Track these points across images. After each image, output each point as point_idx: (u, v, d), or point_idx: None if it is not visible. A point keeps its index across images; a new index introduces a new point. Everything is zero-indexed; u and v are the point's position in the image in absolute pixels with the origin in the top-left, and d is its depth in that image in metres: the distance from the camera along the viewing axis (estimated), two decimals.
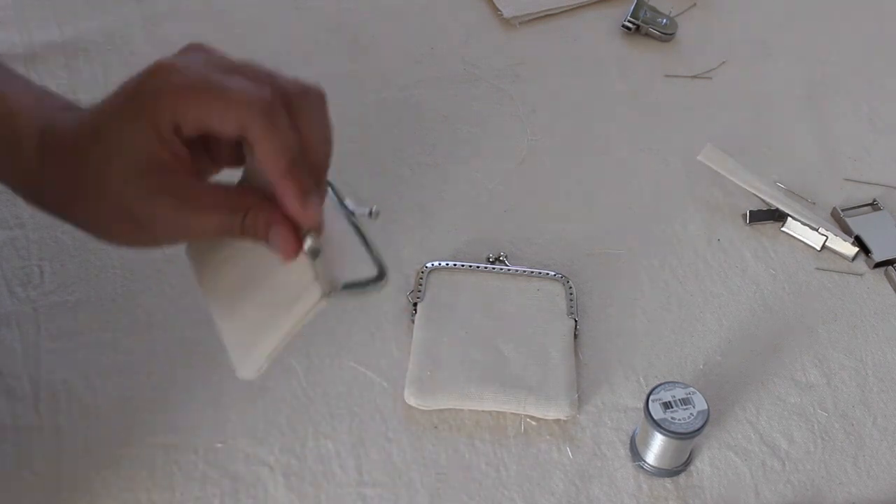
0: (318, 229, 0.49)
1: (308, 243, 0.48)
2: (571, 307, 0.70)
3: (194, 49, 0.50)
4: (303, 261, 0.49)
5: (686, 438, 0.60)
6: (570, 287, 0.71)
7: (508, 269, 0.72)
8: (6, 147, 0.51)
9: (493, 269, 0.72)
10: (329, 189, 0.54)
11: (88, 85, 0.83)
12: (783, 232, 0.78)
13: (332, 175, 0.79)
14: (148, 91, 0.48)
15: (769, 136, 0.86)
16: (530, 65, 0.90)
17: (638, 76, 0.90)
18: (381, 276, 0.51)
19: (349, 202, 0.54)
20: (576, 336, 0.69)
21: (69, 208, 0.51)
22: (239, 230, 0.49)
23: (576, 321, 0.70)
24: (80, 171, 0.49)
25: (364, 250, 0.52)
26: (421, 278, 0.71)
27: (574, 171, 0.81)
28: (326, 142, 0.50)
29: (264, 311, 0.51)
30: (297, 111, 0.48)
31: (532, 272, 0.72)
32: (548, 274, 0.72)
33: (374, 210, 0.53)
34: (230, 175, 0.53)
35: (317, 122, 0.50)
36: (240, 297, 0.52)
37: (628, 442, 0.65)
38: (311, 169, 0.49)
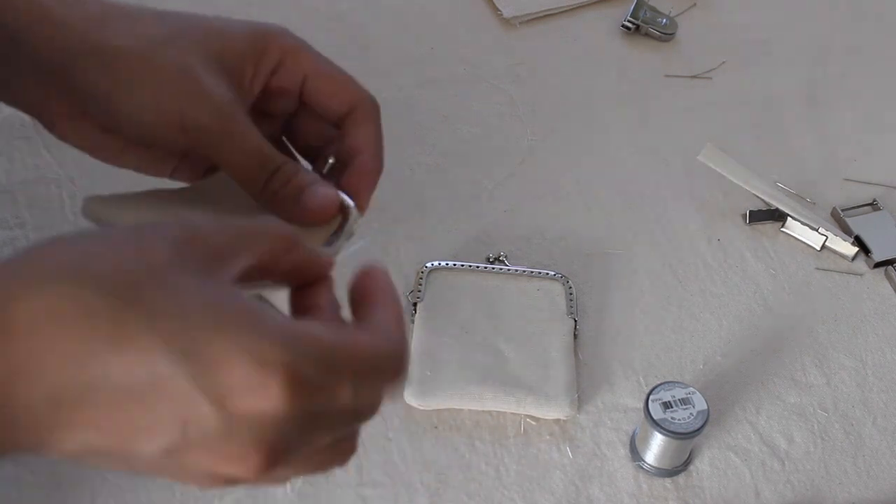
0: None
1: (345, 200, 0.50)
2: (571, 307, 0.70)
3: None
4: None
5: (686, 438, 0.60)
6: (570, 287, 0.71)
7: (508, 269, 0.72)
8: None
9: (493, 269, 0.72)
10: None
11: None
12: (783, 232, 0.78)
13: None
14: (275, 32, 0.52)
15: (769, 136, 0.86)
16: (530, 65, 0.90)
17: (638, 76, 0.90)
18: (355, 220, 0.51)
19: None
20: (576, 336, 0.69)
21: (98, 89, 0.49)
22: (264, 177, 0.48)
23: (575, 321, 0.70)
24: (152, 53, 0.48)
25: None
26: (421, 278, 0.71)
27: (574, 171, 0.81)
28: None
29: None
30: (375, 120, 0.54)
31: (532, 272, 0.72)
32: (548, 274, 0.72)
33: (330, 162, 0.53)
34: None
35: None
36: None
37: (628, 442, 0.65)
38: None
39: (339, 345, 0.37)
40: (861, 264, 0.77)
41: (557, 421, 0.65)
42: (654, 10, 0.93)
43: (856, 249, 0.77)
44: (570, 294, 0.71)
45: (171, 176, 0.54)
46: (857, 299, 0.75)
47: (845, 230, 0.78)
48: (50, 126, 0.52)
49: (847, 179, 0.83)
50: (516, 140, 0.83)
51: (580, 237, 0.76)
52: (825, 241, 0.77)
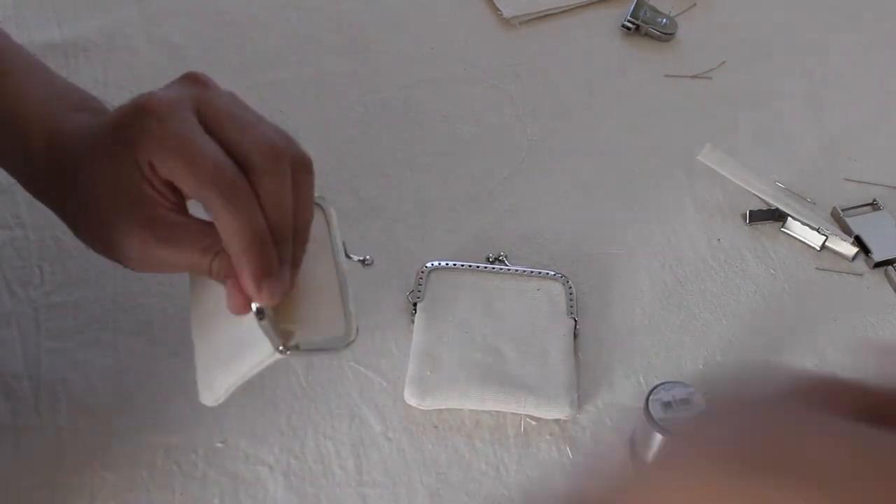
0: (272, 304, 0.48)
1: (254, 307, 0.48)
2: (571, 307, 0.70)
3: (190, 82, 0.49)
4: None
5: None
6: (570, 287, 0.71)
7: (508, 269, 0.72)
8: (16, 147, 0.52)
9: (493, 269, 0.72)
10: (326, 226, 0.53)
11: (88, 85, 0.82)
12: (783, 232, 0.78)
13: (332, 174, 0.79)
14: (135, 127, 0.48)
15: (769, 136, 0.86)
16: (530, 65, 0.90)
17: (638, 76, 0.90)
18: (346, 337, 0.50)
19: (344, 245, 0.53)
20: (576, 336, 0.69)
21: (63, 211, 0.52)
22: (207, 271, 0.48)
23: (575, 321, 0.70)
24: (76, 182, 0.49)
25: (340, 304, 0.51)
26: (421, 278, 0.71)
27: (574, 171, 0.81)
28: (304, 212, 0.49)
29: (229, 347, 0.51)
30: (276, 177, 0.47)
31: (532, 272, 0.72)
32: (548, 274, 0.72)
33: (367, 259, 0.53)
34: None
35: (299, 190, 0.48)
36: (214, 324, 0.51)
37: (628, 442, 0.65)
38: (281, 239, 0.48)
39: None
40: (861, 264, 0.77)
41: (557, 421, 0.65)
42: (654, 10, 0.93)
43: (856, 249, 0.77)
44: (570, 294, 0.71)
45: None
46: (857, 299, 0.75)
47: (845, 230, 0.78)
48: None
49: (847, 179, 0.83)
50: (516, 140, 0.83)
51: (580, 237, 0.76)
52: (825, 241, 0.77)
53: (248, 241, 0.46)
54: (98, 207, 0.49)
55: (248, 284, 0.47)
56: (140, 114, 0.48)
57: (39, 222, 0.73)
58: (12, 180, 0.74)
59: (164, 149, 0.47)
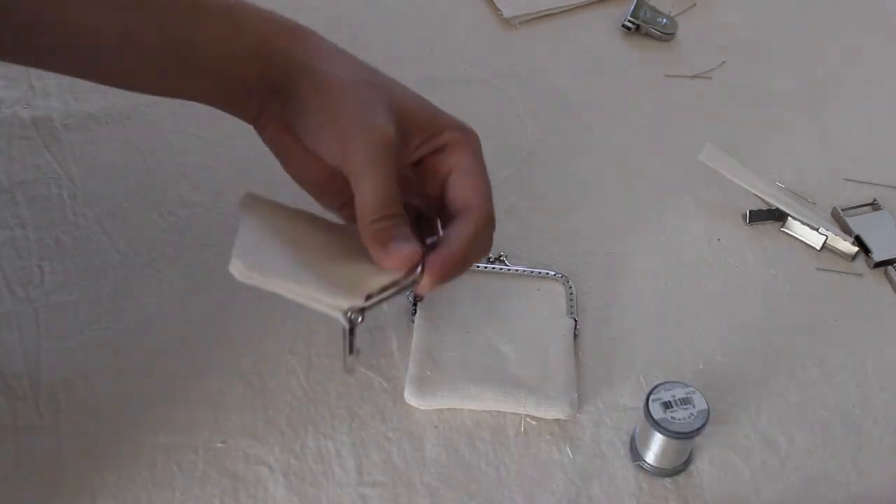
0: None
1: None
2: (571, 307, 0.70)
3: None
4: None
5: (686, 438, 0.60)
6: (571, 287, 0.71)
7: (508, 269, 0.72)
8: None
9: (493, 269, 0.72)
10: None
11: (88, 85, 0.82)
12: (783, 232, 0.78)
13: None
14: (457, 125, 0.59)
15: (769, 136, 0.86)
16: (530, 65, 0.90)
17: (638, 76, 0.90)
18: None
19: None
20: (576, 336, 0.69)
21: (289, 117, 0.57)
22: (376, 216, 0.54)
23: (576, 321, 0.70)
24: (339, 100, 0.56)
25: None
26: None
27: (574, 171, 0.81)
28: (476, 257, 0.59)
29: (304, 267, 0.55)
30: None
31: (532, 272, 0.72)
32: (548, 274, 0.72)
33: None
34: None
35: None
36: (319, 254, 0.57)
37: (628, 442, 0.65)
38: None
39: None
40: (861, 264, 0.77)
41: (557, 421, 0.65)
42: (654, 10, 0.93)
43: (856, 249, 0.77)
44: (571, 294, 0.71)
45: (338, 212, 0.60)
46: (857, 299, 0.75)
47: (845, 230, 0.78)
48: (258, 127, 0.59)
49: (847, 179, 0.83)
50: (516, 140, 0.83)
51: (580, 237, 0.76)
52: (825, 240, 0.77)
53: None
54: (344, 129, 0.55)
55: (441, 268, 0.54)
56: (465, 130, 0.59)
57: (39, 222, 0.73)
58: (13, 179, 0.75)
59: (472, 165, 0.58)
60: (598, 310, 0.72)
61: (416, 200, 0.60)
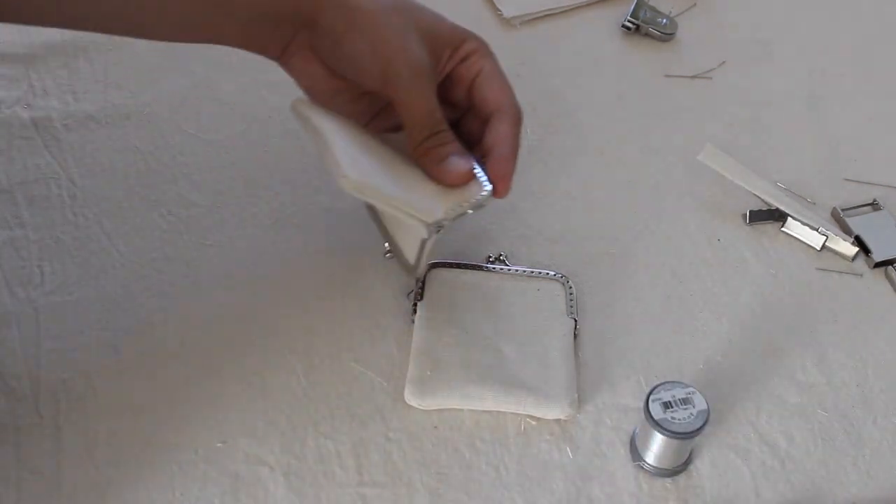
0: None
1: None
2: (571, 307, 0.70)
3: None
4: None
5: (686, 438, 0.60)
6: (570, 287, 0.71)
7: (508, 269, 0.72)
8: None
9: (493, 268, 0.72)
10: None
11: (88, 85, 0.83)
12: (783, 232, 0.78)
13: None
14: (473, 35, 0.65)
15: (769, 136, 0.86)
16: (530, 65, 0.90)
17: (638, 76, 0.90)
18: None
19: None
20: (576, 336, 0.69)
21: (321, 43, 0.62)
22: (425, 134, 0.61)
23: (576, 321, 0.70)
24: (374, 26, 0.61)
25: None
26: (421, 278, 0.71)
27: (574, 171, 0.81)
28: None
29: (391, 178, 0.60)
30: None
31: (532, 272, 0.72)
32: (548, 274, 0.72)
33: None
34: None
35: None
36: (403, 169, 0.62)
37: (628, 442, 0.65)
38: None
39: None
40: (861, 264, 0.77)
41: (557, 421, 0.66)
42: (654, 10, 0.93)
43: (856, 249, 0.77)
44: (570, 294, 0.71)
45: (367, 126, 0.65)
46: (857, 299, 0.75)
47: (845, 230, 0.78)
48: (284, 58, 0.63)
49: (847, 179, 0.83)
50: None
51: (580, 237, 0.76)
52: (825, 241, 0.77)
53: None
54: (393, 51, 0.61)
55: (503, 169, 0.63)
56: (481, 40, 0.66)
57: (39, 222, 0.73)
58: (13, 179, 0.75)
59: (493, 69, 0.65)
60: (597, 310, 0.72)
61: (445, 111, 0.64)
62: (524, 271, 0.72)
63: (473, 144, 0.65)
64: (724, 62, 0.92)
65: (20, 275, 0.70)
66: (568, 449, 0.65)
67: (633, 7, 0.92)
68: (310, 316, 0.69)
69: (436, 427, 0.65)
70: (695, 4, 0.97)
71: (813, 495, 0.64)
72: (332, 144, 0.59)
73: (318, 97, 0.64)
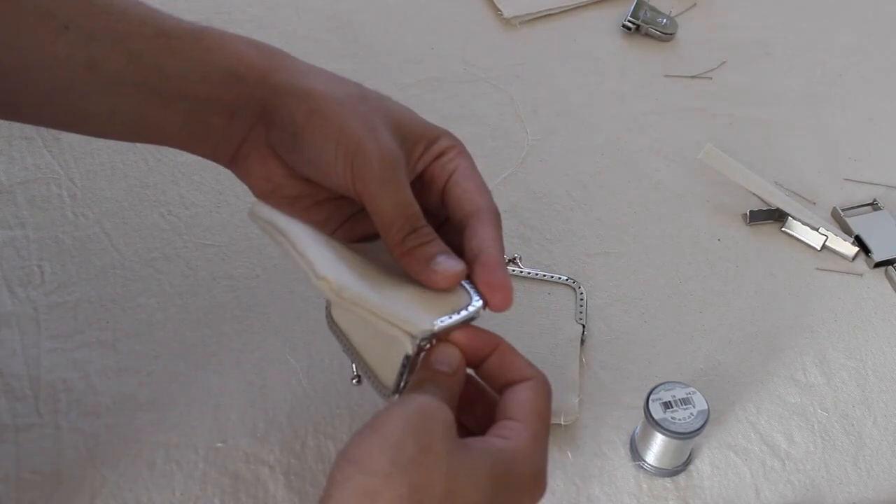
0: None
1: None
2: (581, 313, 0.70)
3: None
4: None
5: (686, 438, 0.60)
6: (582, 293, 0.71)
7: (520, 272, 0.72)
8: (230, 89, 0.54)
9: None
10: None
11: None
12: (783, 232, 0.78)
13: None
14: (447, 133, 0.57)
15: (769, 135, 0.86)
16: (530, 65, 0.90)
17: (638, 76, 0.90)
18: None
19: None
20: (583, 342, 0.69)
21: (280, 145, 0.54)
22: (404, 233, 0.53)
23: (584, 326, 0.70)
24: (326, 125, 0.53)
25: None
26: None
27: (574, 171, 0.81)
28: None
29: (370, 286, 0.53)
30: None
31: (545, 276, 0.72)
32: (560, 279, 0.72)
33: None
34: None
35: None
36: (391, 278, 0.54)
37: (628, 442, 0.65)
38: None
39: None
40: (861, 264, 0.77)
41: (558, 421, 0.65)
42: (654, 10, 0.93)
43: (856, 249, 0.77)
44: (581, 300, 0.71)
45: (333, 235, 0.57)
46: (857, 299, 0.75)
47: (845, 230, 0.78)
48: (238, 159, 0.56)
49: (847, 179, 0.83)
50: (516, 140, 0.83)
51: (580, 237, 0.76)
52: (825, 241, 0.77)
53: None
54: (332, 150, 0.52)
55: (497, 278, 0.53)
56: (454, 138, 0.57)
57: (39, 222, 0.73)
58: (13, 179, 0.75)
59: (468, 169, 0.56)
60: (597, 309, 0.72)
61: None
62: (537, 274, 0.72)
63: None
64: (724, 62, 0.92)
65: (20, 275, 0.70)
66: (568, 449, 0.64)
67: (633, 7, 0.92)
68: (310, 316, 0.69)
69: None
70: (695, 4, 0.97)
71: (813, 495, 0.64)
72: (305, 246, 0.52)
73: (278, 204, 0.56)
